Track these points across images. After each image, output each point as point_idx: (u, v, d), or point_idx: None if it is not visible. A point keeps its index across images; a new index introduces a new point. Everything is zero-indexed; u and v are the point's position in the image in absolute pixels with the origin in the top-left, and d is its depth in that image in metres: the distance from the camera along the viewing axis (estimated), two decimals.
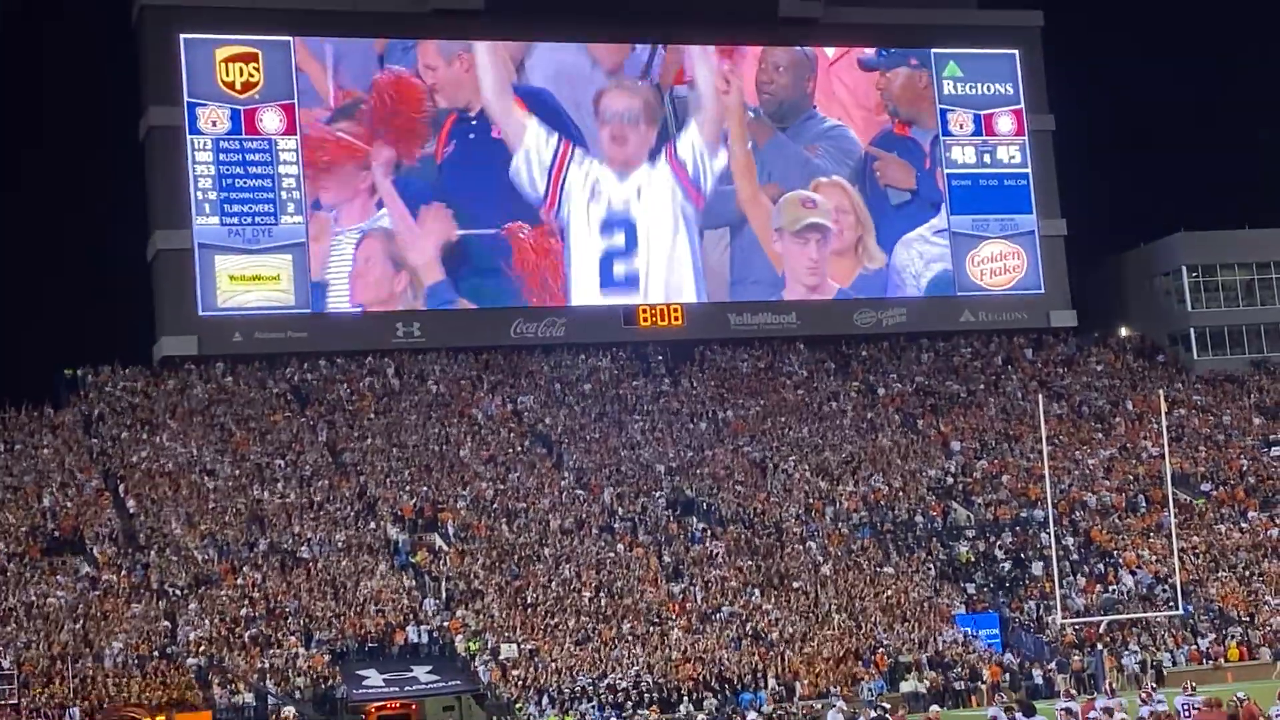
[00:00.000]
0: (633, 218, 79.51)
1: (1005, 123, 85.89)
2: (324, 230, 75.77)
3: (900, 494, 70.32)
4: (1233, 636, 60.94)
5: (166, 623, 55.66)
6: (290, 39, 76.40)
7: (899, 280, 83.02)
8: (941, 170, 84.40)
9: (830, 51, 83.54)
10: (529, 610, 58.58)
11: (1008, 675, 58.08)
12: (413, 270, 76.68)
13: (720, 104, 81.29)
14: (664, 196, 79.85)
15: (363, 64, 77.63)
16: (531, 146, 78.46)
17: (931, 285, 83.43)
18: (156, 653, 53.56)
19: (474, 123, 78.21)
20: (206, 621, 55.57)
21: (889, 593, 62.12)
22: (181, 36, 75.13)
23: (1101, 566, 65.87)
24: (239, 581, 58.22)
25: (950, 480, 72.40)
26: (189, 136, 74.87)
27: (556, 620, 58.05)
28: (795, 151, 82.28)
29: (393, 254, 76.46)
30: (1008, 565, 65.98)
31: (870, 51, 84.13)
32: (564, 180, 78.64)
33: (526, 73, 79.57)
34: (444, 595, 59.56)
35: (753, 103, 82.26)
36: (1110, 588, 64.13)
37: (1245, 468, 74.51)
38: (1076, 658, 58.60)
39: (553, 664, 55.23)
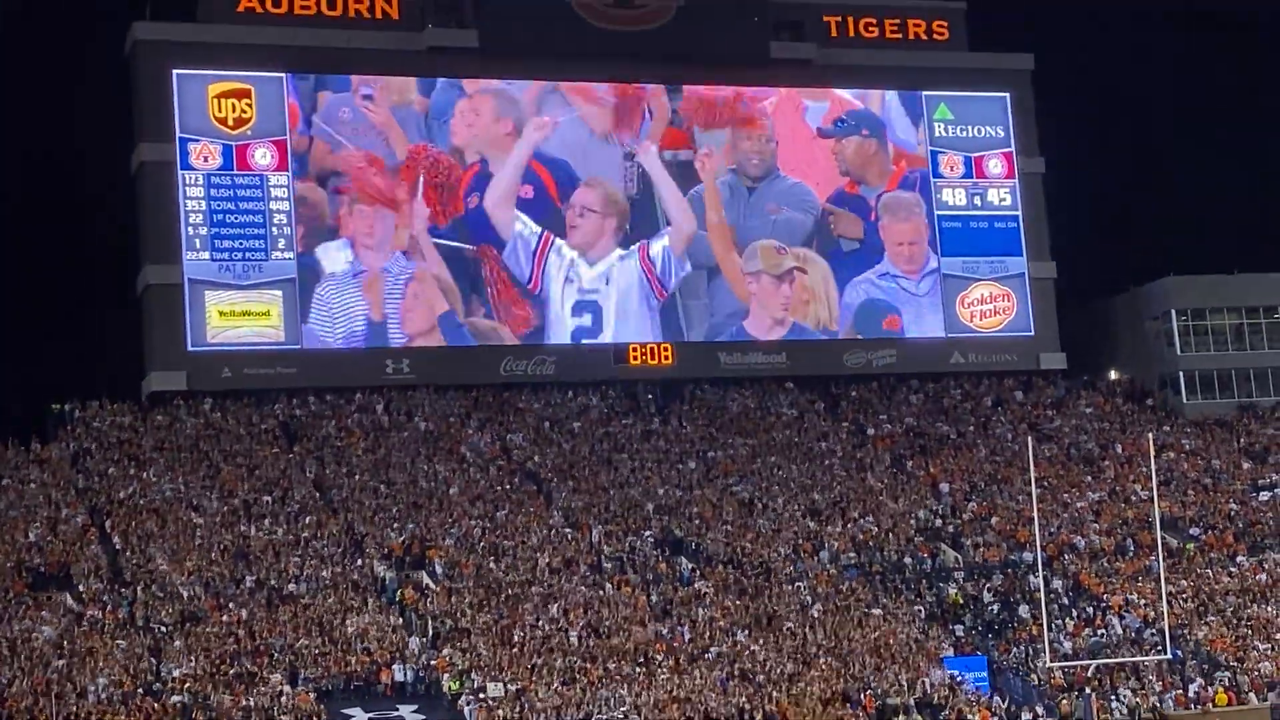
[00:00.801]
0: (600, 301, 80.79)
1: (996, 165, 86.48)
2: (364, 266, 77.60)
3: (889, 535, 70.25)
4: (1220, 681, 60.81)
5: (152, 659, 55.37)
6: (284, 75, 76.75)
7: (849, 317, 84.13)
8: (930, 218, 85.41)
9: (814, 127, 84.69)
10: (516, 649, 58.36)
11: (996, 718, 57.90)
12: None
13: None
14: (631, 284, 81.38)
15: (415, 128, 79.09)
16: (520, 233, 79.85)
17: (859, 312, 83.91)
18: (141, 689, 53.20)
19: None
20: (192, 658, 55.26)
21: (877, 634, 61.94)
22: (174, 72, 75.27)
23: (1090, 610, 65.76)
24: (225, 618, 57.94)
25: (939, 522, 72.37)
26: (181, 172, 74.92)
27: (543, 660, 57.79)
28: (760, 207, 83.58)
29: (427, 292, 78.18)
30: (996, 608, 65.89)
31: (828, 123, 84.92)
32: (545, 263, 79.99)
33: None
34: (431, 633, 59.35)
35: (731, 165, 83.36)
36: (1099, 631, 64.04)
37: (1234, 512, 74.54)
38: (1065, 701, 58.48)
39: (539, 704, 54.97)
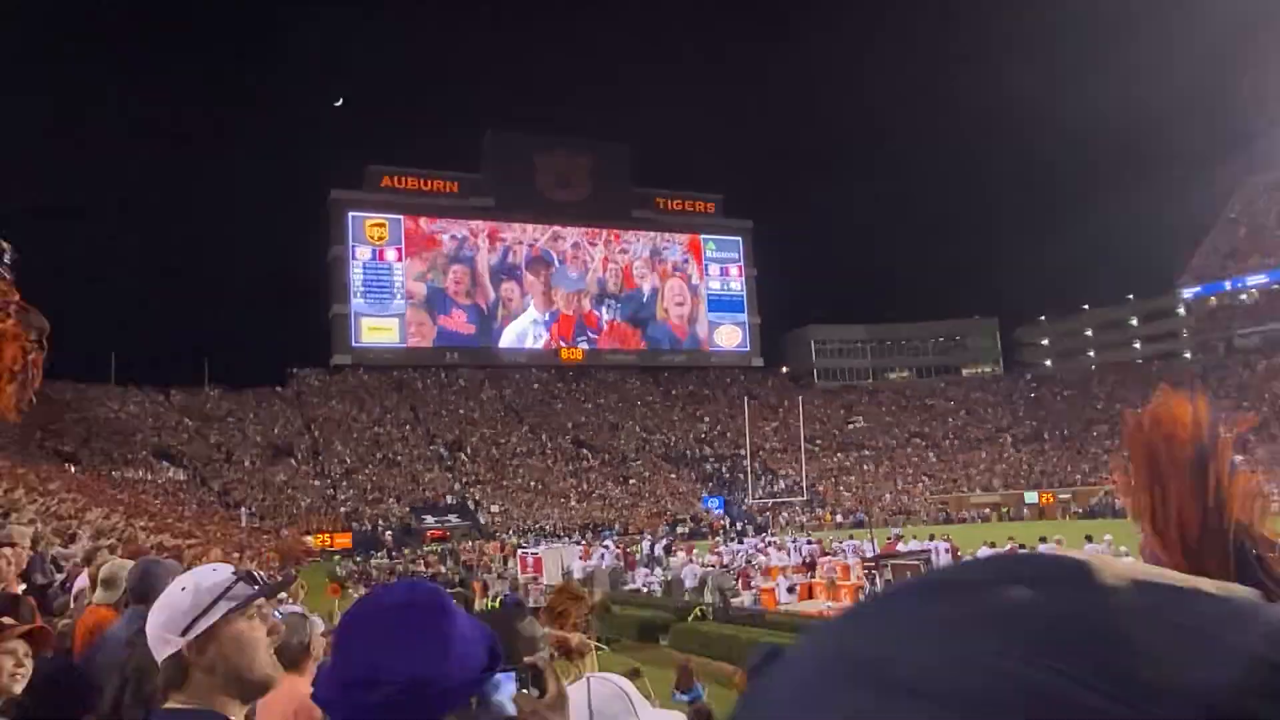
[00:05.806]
0: None
1: (734, 271, 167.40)
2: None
3: None
4: None
5: None
6: (401, 217, 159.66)
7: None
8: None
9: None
10: None
11: None
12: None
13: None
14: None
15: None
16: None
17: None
18: None
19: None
20: None
21: None
22: (349, 214, 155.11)
23: None
24: None
25: None
26: (350, 261, 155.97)
27: None
28: None
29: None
30: None
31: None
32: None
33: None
34: None
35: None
36: None
37: None
38: None
39: None
